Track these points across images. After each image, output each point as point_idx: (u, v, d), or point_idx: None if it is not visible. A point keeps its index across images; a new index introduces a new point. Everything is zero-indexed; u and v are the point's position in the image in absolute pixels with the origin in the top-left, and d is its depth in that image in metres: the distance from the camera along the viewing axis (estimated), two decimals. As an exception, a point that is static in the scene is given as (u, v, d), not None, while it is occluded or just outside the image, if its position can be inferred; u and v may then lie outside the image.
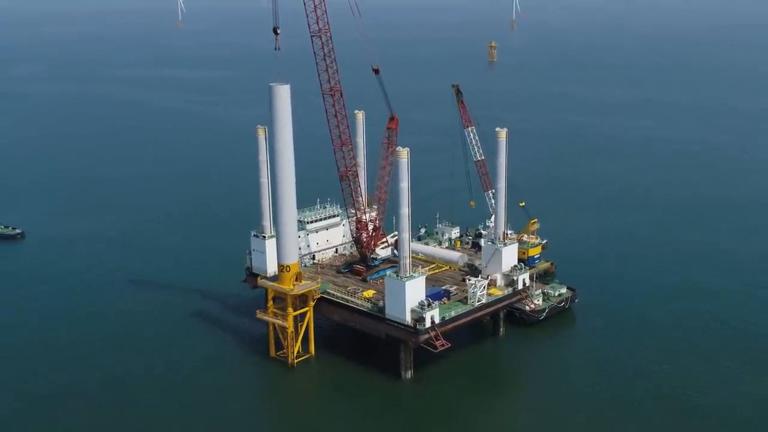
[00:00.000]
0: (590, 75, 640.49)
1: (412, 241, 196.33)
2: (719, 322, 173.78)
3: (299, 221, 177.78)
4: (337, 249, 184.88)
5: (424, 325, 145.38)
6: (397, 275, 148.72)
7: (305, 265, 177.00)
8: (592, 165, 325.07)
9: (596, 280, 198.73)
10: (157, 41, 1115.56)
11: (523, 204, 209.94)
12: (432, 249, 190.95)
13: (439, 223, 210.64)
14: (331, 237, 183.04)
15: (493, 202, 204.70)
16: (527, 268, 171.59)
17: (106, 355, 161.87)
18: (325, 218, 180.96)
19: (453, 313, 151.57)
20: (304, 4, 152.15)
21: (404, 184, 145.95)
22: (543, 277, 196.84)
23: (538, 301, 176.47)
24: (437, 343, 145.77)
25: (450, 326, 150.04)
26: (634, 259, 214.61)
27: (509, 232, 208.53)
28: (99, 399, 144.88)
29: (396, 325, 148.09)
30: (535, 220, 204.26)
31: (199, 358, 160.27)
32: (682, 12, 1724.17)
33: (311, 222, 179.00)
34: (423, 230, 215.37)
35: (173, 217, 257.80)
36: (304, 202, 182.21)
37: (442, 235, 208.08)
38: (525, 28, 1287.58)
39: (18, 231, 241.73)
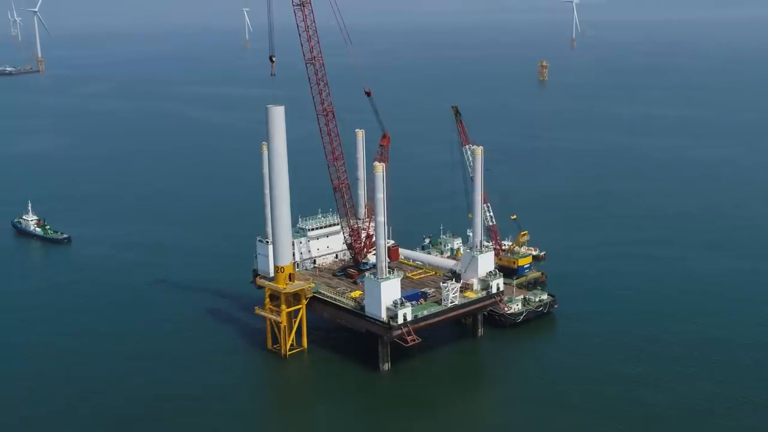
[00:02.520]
0: (640, 95, 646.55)
1: (416, 250, 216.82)
2: (700, 336, 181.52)
3: (301, 228, 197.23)
4: (337, 255, 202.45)
5: (397, 322, 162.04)
6: (375, 277, 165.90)
7: (306, 269, 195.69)
8: (614, 183, 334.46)
9: (586, 290, 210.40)
10: (226, 61, 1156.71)
11: (515, 217, 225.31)
12: (429, 257, 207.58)
13: (442, 234, 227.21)
14: (331, 243, 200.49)
15: (489, 215, 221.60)
16: (500, 275, 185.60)
17: (127, 344, 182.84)
18: (325, 226, 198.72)
19: (425, 312, 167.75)
20: (299, 35, 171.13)
21: (380, 195, 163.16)
22: (533, 286, 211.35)
23: (517, 306, 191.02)
24: (408, 338, 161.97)
25: (422, 324, 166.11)
26: (629, 274, 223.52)
27: (508, 243, 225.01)
28: (114, 378, 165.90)
29: (373, 321, 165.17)
30: (526, 232, 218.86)
31: (205, 348, 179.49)
32: (743, 30, 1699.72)
33: (312, 229, 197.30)
34: (427, 240, 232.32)
35: (199, 225, 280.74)
36: (307, 211, 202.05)
37: (445, 246, 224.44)
38: (586, 47, 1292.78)
39: (65, 236, 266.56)
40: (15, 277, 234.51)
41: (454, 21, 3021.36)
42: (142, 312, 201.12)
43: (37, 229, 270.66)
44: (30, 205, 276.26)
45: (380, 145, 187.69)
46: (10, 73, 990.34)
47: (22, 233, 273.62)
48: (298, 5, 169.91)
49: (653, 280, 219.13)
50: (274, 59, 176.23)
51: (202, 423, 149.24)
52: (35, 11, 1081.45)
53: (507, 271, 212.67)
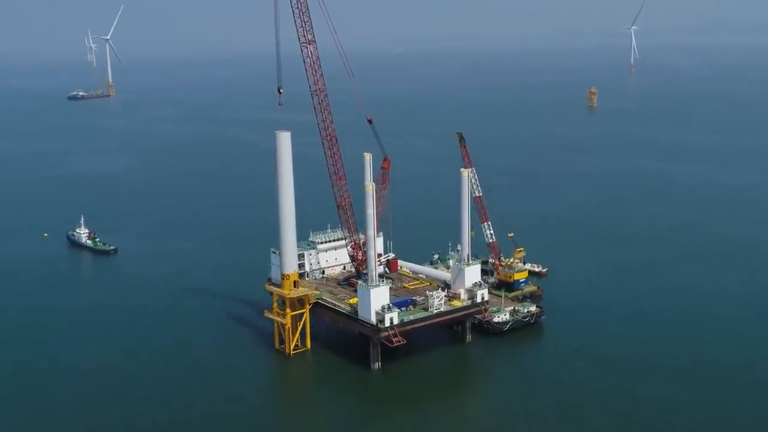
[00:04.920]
0: (684, 121, 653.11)
1: (425, 265, 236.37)
2: (690, 351, 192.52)
3: (311, 242, 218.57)
4: (345, 266, 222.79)
5: (384, 325, 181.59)
6: (367, 284, 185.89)
7: (315, 278, 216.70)
8: (633, 207, 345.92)
9: (579, 305, 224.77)
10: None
11: (512, 234, 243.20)
12: (428, 269, 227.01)
13: (450, 251, 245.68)
14: (339, 256, 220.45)
15: (489, 232, 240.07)
16: (485, 286, 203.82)
17: (150, 339, 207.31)
18: (333, 240, 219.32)
19: (412, 317, 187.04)
20: (306, 70, 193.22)
21: (370, 211, 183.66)
22: (527, 298, 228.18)
23: (505, 316, 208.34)
24: (394, 340, 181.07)
25: (408, 327, 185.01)
26: (626, 292, 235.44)
27: (509, 259, 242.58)
28: (135, 368, 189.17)
29: (364, 324, 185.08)
30: (521, 248, 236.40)
31: (221, 347, 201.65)
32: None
33: (321, 243, 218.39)
34: (436, 256, 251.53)
35: (227, 238, 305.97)
36: (318, 226, 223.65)
37: (452, 261, 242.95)
38: (644, 73, 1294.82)
39: (112, 247, 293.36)
40: (65, 282, 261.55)
41: (519, 46, 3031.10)
42: (170, 315, 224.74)
43: (88, 241, 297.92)
44: (82, 219, 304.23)
45: (381, 168, 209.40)
46: (82, 98, 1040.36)
47: (75, 245, 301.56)
48: (304, 43, 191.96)
49: (650, 298, 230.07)
50: (281, 90, 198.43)
51: (213, 413, 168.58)
52: (107, 39, 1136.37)
53: (504, 284, 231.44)
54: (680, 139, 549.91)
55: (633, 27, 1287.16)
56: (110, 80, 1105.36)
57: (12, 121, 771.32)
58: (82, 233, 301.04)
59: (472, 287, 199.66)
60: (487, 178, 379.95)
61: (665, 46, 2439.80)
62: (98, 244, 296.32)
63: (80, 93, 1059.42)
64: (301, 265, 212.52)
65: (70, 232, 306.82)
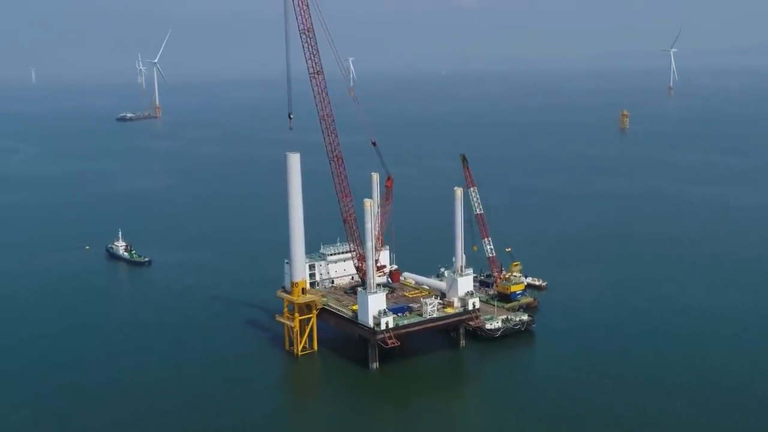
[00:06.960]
0: (710, 144, 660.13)
1: (431, 277, 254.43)
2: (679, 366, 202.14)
3: (322, 254, 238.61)
4: (352, 276, 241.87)
5: (381, 328, 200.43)
6: (365, 291, 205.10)
7: (325, 287, 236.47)
8: (638, 227, 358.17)
9: (573, 315, 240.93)
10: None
11: (509, 249, 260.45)
12: (428, 280, 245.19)
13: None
14: (347, 267, 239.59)
15: (489, 248, 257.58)
16: (476, 294, 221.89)
17: (176, 341, 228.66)
18: (342, 252, 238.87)
19: (406, 322, 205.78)
20: (314, 96, 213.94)
21: (368, 225, 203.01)
22: (525, 309, 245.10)
23: (497, 323, 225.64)
24: (389, 341, 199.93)
25: (402, 331, 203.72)
26: (621, 305, 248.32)
27: (507, 273, 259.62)
28: (157, 368, 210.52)
29: (363, 327, 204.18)
30: (518, 263, 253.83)
31: (237, 348, 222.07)
32: None
33: (331, 255, 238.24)
34: (442, 269, 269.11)
35: (249, 251, 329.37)
36: (328, 239, 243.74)
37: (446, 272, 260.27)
38: (685, 95, 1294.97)
39: (146, 259, 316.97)
40: (102, 291, 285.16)
41: (562, 68, 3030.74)
42: (195, 319, 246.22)
43: (125, 253, 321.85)
44: (120, 233, 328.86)
45: (385, 186, 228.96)
46: (129, 119, 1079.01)
47: (113, 257, 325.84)
48: (313, 74, 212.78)
49: (650, 314, 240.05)
50: (292, 116, 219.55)
51: (228, 407, 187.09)
52: (155, 62, 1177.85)
53: (503, 296, 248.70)
54: (701, 161, 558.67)
55: (672, 49, 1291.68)
56: (157, 102, 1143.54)
57: (63, 143, 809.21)
58: (120, 246, 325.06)
59: (465, 296, 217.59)
60: (502, 197, 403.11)
61: (715, 67, 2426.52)
62: (134, 256, 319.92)
63: (128, 114, 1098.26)
64: (313, 275, 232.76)
65: (109, 245, 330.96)
